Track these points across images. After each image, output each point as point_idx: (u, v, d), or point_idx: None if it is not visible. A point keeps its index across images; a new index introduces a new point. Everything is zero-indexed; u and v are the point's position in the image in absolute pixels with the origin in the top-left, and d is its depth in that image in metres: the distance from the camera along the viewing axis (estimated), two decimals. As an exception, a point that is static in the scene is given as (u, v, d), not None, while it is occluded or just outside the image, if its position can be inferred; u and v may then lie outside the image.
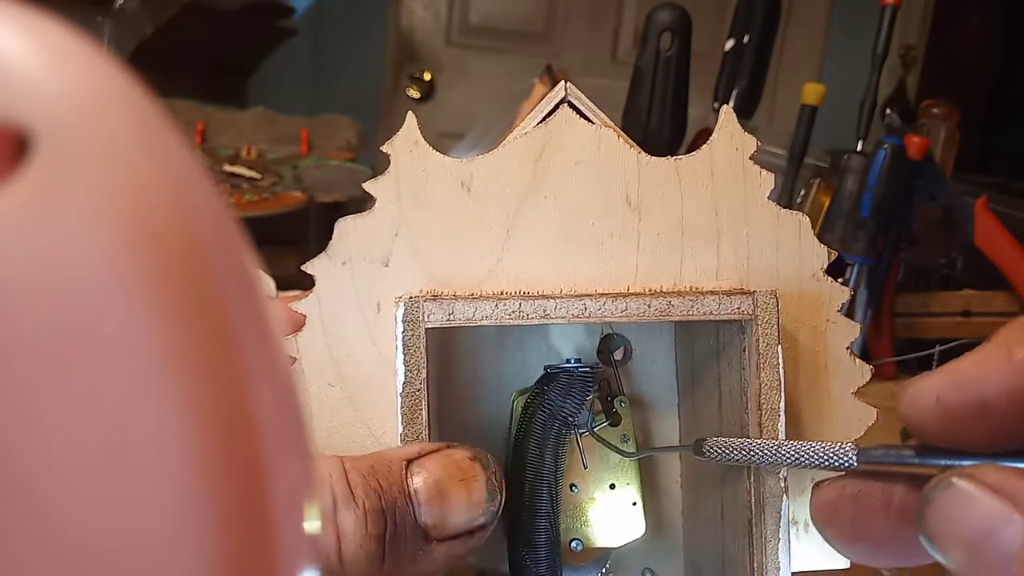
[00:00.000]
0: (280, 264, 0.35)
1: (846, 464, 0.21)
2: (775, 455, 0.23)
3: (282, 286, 0.50)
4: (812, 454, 0.22)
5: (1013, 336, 0.18)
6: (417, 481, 0.24)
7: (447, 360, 0.33)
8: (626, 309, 0.27)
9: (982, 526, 0.17)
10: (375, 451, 0.26)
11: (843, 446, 0.22)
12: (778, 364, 0.27)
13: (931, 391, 0.19)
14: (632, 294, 0.27)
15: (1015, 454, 0.18)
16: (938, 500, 0.18)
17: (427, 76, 1.93)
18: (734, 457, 0.25)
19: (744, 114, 0.87)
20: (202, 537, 0.09)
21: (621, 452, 0.31)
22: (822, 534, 0.22)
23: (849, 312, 0.71)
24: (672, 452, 0.34)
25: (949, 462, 0.19)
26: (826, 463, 0.22)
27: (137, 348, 0.09)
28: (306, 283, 0.28)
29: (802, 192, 0.80)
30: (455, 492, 0.24)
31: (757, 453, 0.24)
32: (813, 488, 0.23)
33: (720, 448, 0.25)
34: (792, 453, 0.23)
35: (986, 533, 0.17)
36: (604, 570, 0.32)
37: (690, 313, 0.27)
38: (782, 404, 0.26)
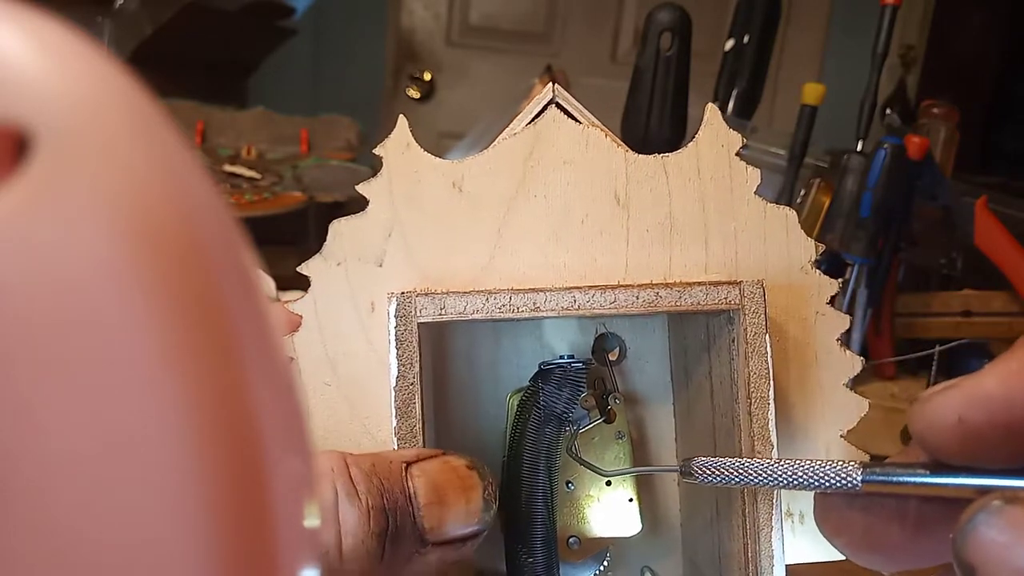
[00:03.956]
0: (280, 264, 0.35)
1: (849, 485, 0.20)
2: (769, 475, 0.22)
3: (282, 286, 0.50)
4: (811, 474, 0.21)
5: None
6: (417, 483, 0.24)
7: (443, 362, 0.33)
8: (615, 301, 0.27)
9: None
10: (374, 451, 0.26)
11: (847, 464, 0.20)
12: (766, 353, 0.27)
13: (951, 410, 0.17)
14: (621, 286, 0.27)
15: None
16: (983, 526, 0.16)
17: (427, 76, 1.93)
18: (725, 478, 0.23)
19: (744, 114, 0.87)
20: (203, 536, 0.10)
21: (600, 472, 0.31)
22: (831, 543, 0.21)
23: (850, 312, 0.71)
24: (655, 473, 0.33)
25: (966, 480, 0.18)
26: (827, 484, 0.20)
27: (137, 347, 0.09)
28: (306, 284, 0.28)
29: (802, 192, 0.79)
30: (454, 498, 0.24)
31: (750, 473, 0.23)
32: (816, 497, 0.22)
33: (710, 468, 0.24)
34: (789, 473, 0.21)
35: None
36: (603, 567, 0.32)
37: (678, 304, 0.27)
38: (771, 392, 0.27)
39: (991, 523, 0.16)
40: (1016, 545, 0.16)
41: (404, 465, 0.24)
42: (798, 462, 0.22)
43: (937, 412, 0.18)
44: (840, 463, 0.21)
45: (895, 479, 0.19)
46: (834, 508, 0.21)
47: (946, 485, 0.19)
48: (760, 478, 0.22)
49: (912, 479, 0.19)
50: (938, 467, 0.19)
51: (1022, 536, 0.16)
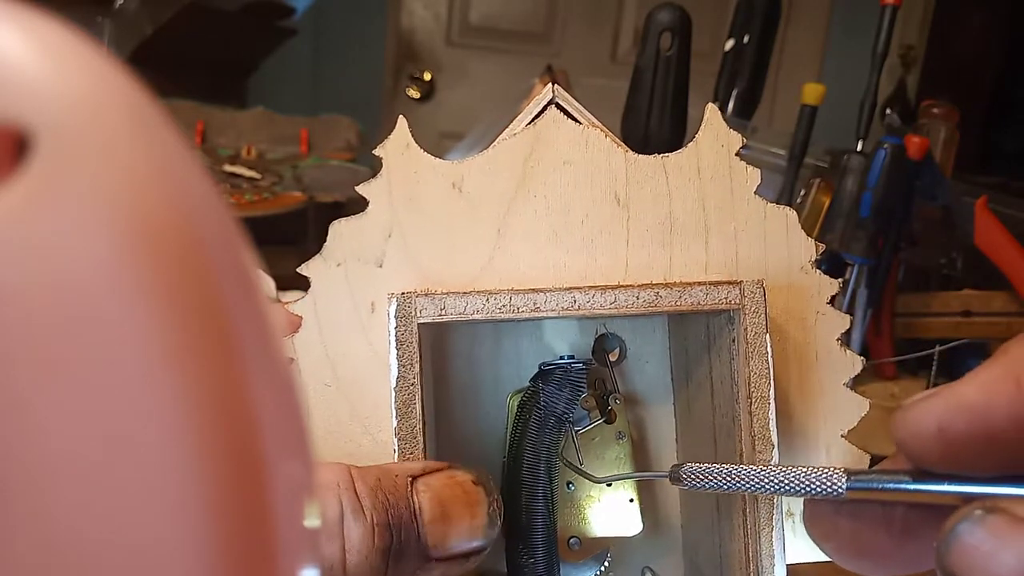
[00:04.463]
0: (280, 264, 0.35)
1: (835, 492, 0.20)
2: (757, 481, 0.22)
3: (282, 286, 0.50)
4: (798, 481, 0.21)
5: (1020, 361, 0.17)
6: (422, 499, 0.24)
7: (443, 362, 0.33)
8: (615, 301, 0.27)
9: (1019, 565, 0.16)
10: (379, 463, 0.26)
11: (833, 471, 0.20)
12: (767, 353, 0.27)
13: (931, 418, 0.18)
14: (621, 286, 0.27)
15: (1014, 479, 0.17)
16: (966, 535, 0.16)
17: (427, 76, 1.93)
18: (714, 484, 0.23)
19: (744, 114, 0.87)
20: (202, 536, 0.10)
21: (591, 478, 0.31)
22: (820, 548, 0.21)
23: (850, 312, 0.71)
24: (646, 478, 0.34)
25: (949, 487, 0.18)
26: (813, 490, 0.21)
27: (136, 347, 0.09)
28: (306, 284, 0.28)
29: (802, 192, 0.79)
30: (458, 514, 0.24)
31: (738, 479, 0.23)
32: (805, 502, 0.22)
33: (698, 474, 0.24)
34: (776, 480, 0.22)
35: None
36: (603, 568, 0.32)
37: (678, 304, 0.27)
38: (771, 392, 0.27)
39: (973, 532, 0.16)
40: (997, 554, 0.16)
41: (410, 479, 0.24)
42: (784, 469, 0.22)
43: (917, 421, 0.18)
44: (826, 470, 0.21)
45: (879, 486, 0.20)
46: (822, 514, 0.21)
47: (929, 492, 0.19)
48: (747, 484, 0.23)
49: (896, 486, 0.19)
50: (921, 474, 0.19)
51: (1003, 545, 0.16)
